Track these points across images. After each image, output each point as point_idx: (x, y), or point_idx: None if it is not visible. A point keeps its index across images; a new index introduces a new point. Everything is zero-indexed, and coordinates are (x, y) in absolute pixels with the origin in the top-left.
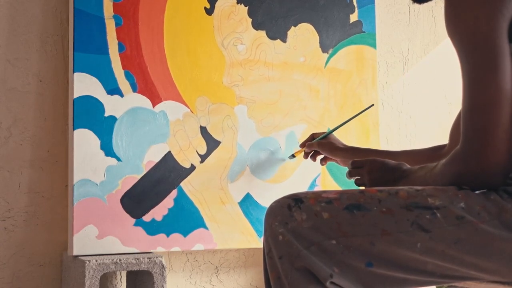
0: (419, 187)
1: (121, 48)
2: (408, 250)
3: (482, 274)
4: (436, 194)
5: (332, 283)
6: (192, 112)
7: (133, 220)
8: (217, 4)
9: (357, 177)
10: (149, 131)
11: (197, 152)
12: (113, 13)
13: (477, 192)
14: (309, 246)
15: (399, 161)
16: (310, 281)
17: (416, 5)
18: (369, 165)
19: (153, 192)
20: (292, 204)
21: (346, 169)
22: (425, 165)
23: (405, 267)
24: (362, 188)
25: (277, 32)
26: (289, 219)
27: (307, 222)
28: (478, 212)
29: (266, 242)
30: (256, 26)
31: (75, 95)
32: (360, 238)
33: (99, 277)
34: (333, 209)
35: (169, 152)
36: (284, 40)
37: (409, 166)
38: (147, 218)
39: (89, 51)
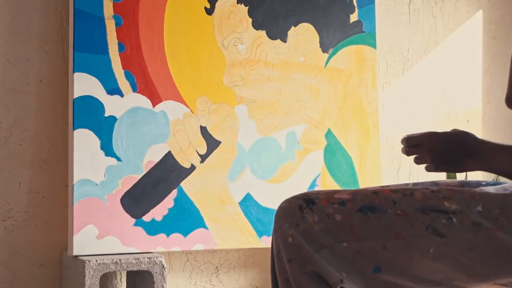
0: (434, 188)
1: (121, 48)
2: (420, 255)
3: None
4: (453, 197)
5: None
6: (192, 112)
7: (133, 220)
8: (217, 4)
9: (416, 156)
10: (149, 131)
11: (197, 152)
12: (113, 13)
13: (495, 192)
14: (320, 249)
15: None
16: (319, 286)
17: (416, 5)
18: (428, 143)
19: (153, 192)
20: (303, 205)
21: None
22: (509, 145)
23: (413, 276)
24: (376, 187)
25: (277, 32)
26: (300, 221)
27: (319, 224)
28: (495, 217)
29: (275, 243)
30: (257, 26)
31: (75, 95)
32: (372, 241)
33: (99, 277)
34: (346, 210)
35: (169, 152)
36: (284, 40)
37: (478, 138)
38: (147, 218)
39: (89, 51)
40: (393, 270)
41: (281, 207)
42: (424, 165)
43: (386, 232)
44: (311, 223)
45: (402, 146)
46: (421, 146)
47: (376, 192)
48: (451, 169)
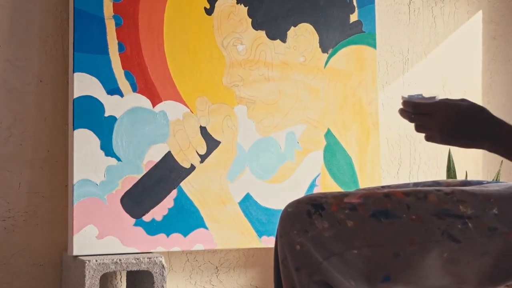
0: (447, 190)
1: (121, 48)
2: (433, 260)
3: None
4: (467, 200)
5: None
6: (192, 112)
7: (133, 220)
8: (217, 4)
9: (419, 124)
10: (149, 131)
11: (197, 152)
12: (113, 13)
13: (509, 191)
14: (329, 256)
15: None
16: None
17: (416, 5)
18: (441, 114)
19: (153, 192)
20: (311, 211)
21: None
22: None
23: (423, 285)
24: (385, 190)
25: (277, 32)
26: (309, 227)
27: (329, 231)
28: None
29: (281, 249)
30: (256, 26)
31: (75, 95)
32: (385, 247)
33: (99, 277)
34: (358, 216)
35: (169, 152)
36: (284, 40)
37: (494, 116)
38: (147, 218)
39: (89, 51)
40: (402, 280)
41: (287, 212)
42: (423, 135)
43: (401, 238)
44: (320, 229)
45: (401, 107)
46: (431, 116)
47: (388, 196)
48: (457, 145)
